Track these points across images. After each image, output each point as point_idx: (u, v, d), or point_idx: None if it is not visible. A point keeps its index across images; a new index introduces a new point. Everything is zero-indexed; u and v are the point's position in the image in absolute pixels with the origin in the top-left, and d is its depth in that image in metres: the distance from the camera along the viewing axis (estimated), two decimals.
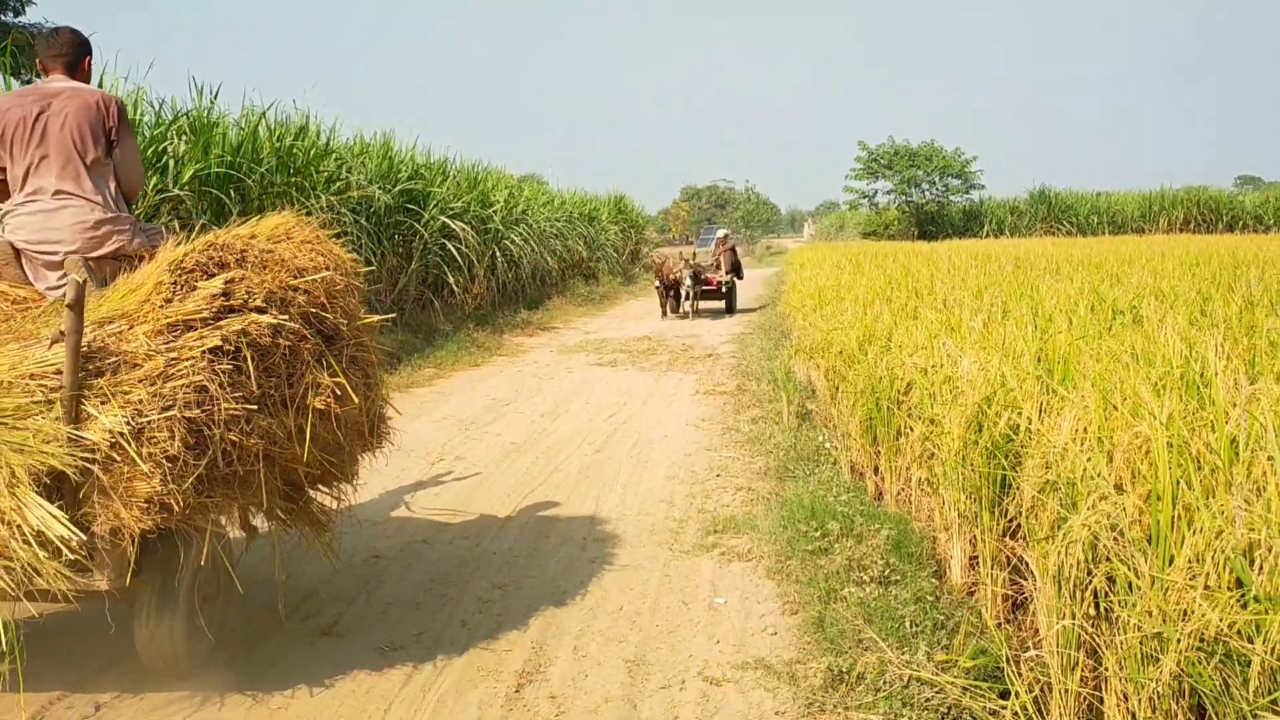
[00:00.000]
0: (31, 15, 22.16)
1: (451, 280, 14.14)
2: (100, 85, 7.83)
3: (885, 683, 3.26)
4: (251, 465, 3.25)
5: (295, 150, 10.99)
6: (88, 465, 2.85)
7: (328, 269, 3.70)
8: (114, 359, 3.02)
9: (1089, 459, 2.94)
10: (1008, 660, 3.07)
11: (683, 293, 17.35)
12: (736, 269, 18.75)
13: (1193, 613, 2.27)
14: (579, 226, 23.29)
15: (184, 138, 9.26)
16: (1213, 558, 2.33)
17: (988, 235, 38.98)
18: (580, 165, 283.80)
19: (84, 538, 2.81)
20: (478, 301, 15.02)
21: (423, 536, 5.16)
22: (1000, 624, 3.67)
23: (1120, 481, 2.82)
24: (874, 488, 5.49)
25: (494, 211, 16.81)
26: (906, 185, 42.33)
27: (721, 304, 18.31)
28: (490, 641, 3.86)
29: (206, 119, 9.63)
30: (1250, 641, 2.17)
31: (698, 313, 17.50)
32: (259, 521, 3.89)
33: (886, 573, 4.18)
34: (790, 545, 4.66)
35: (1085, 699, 2.79)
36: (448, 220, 14.43)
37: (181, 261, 3.30)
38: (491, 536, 5.16)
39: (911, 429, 4.61)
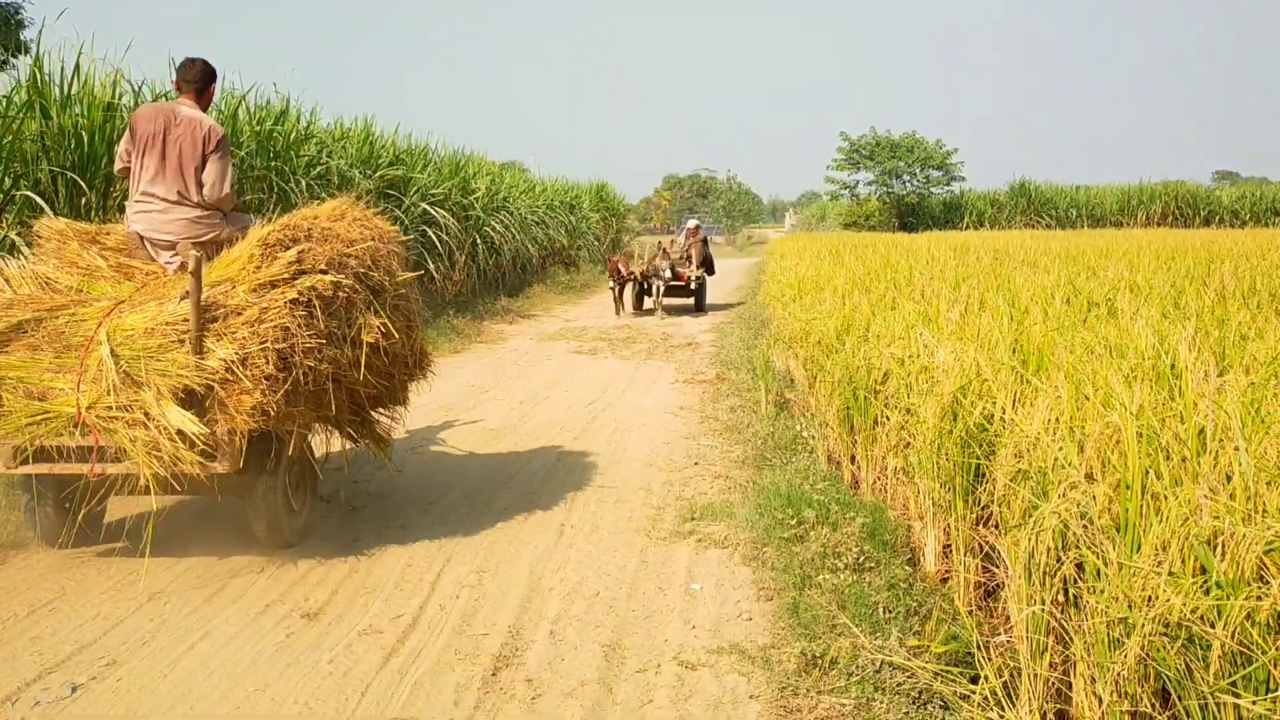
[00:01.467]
0: None
1: (432, 267, 14.07)
2: (77, 65, 7.78)
3: (858, 667, 3.31)
4: (324, 385, 4.38)
5: (275, 134, 10.89)
6: (210, 383, 4.00)
7: (371, 240, 4.86)
8: (223, 309, 4.15)
9: (1060, 448, 2.98)
10: (978, 646, 3.13)
11: (656, 286, 15.76)
12: (708, 264, 16.75)
13: (1158, 598, 2.32)
14: (560, 214, 23.16)
15: None
16: (1178, 545, 2.37)
17: (968, 227, 39.10)
18: (562, 153, 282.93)
19: (210, 433, 3.98)
20: (458, 288, 14.96)
21: (401, 521, 5.17)
22: (972, 610, 3.72)
23: (1091, 471, 2.86)
24: (850, 476, 5.54)
25: (475, 199, 16.71)
26: (888, 176, 42.26)
27: (690, 300, 16.57)
28: (467, 625, 3.88)
29: None
30: (1212, 626, 2.21)
31: (666, 310, 15.92)
32: (335, 439, 5.13)
33: (861, 560, 4.23)
34: (766, 533, 4.70)
35: (1053, 683, 2.84)
36: (429, 207, 14.36)
37: (266, 238, 4.40)
38: (470, 522, 5.17)
39: (888, 418, 4.64)
